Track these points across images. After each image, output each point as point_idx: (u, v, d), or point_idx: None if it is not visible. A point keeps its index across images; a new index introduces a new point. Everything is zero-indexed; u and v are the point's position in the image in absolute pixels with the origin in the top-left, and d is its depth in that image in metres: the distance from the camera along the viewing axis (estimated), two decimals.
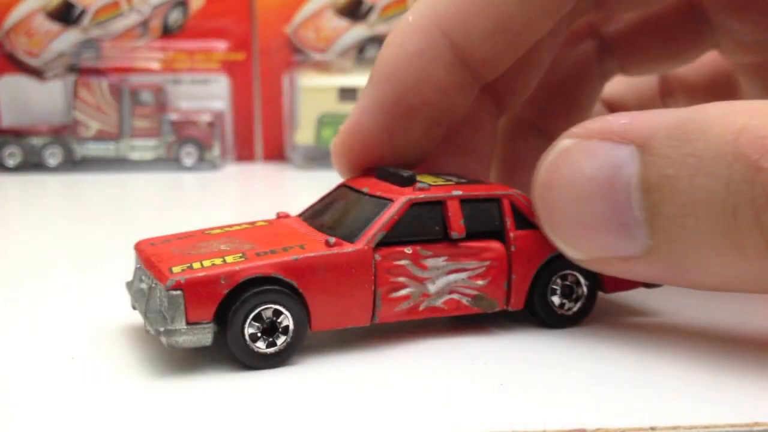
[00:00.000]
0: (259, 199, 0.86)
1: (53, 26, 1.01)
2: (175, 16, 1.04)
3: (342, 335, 0.36)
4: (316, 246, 0.34)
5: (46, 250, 0.58)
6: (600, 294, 0.39)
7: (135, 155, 0.99)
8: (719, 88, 0.53)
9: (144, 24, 1.03)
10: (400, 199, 0.35)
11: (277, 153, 1.06)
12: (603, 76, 0.50)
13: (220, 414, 0.29)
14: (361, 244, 0.34)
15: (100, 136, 0.98)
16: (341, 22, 1.05)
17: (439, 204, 0.36)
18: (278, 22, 1.04)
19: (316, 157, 1.02)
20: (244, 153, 1.06)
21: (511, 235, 0.36)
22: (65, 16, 1.01)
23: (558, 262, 0.37)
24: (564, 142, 0.34)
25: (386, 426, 0.28)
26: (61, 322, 0.39)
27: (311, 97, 1.02)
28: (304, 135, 1.02)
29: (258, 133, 1.07)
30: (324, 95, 1.02)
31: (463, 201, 0.36)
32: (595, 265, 0.35)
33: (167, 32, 1.04)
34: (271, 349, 0.33)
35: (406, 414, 0.29)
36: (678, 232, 0.30)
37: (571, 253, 0.35)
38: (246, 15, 1.04)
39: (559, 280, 0.37)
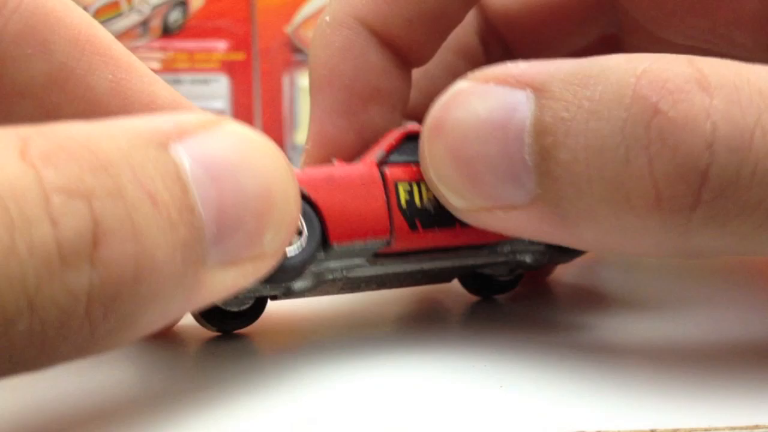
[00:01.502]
0: None
1: None
2: (175, 16, 1.04)
3: (337, 337, 0.36)
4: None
5: None
6: (601, 296, 0.39)
7: None
8: None
9: (144, 24, 1.03)
10: (395, 131, 0.36)
11: None
12: None
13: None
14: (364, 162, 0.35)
15: None
16: None
17: None
18: (278, 22, 1.04)
19: None
20: None
21: None
22: None
23: None
24: (459, 84, 0.32)
25: (382, 429, 0.28)
26: None
27: None
28: (304, 135, 1.02)
29: None
30: None
31: None
32: (476, 216, 0.33)
33: (167, 32, 1.04)
34: None
35: (402, 416, 0.29)
36: (567, 178, 0.29)
37: (454, 201, 0.33)
38: (246, 15, 1.04)
39: None
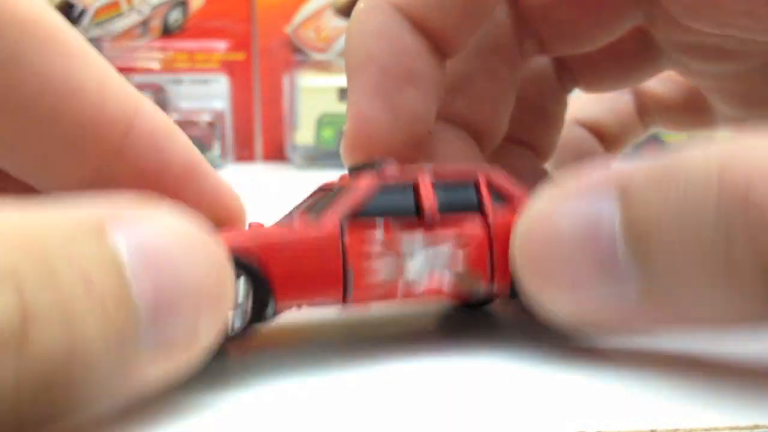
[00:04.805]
0: (260, 199, 0.86)
1: None
2: (175, 16, 1.04)
3: (332, 339, 0.36)
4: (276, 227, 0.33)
5: None
6: None
7: None
8: (693, 105, 0.53)
9: (144, 24, 1.03)
10: (366, 180, 0.34)
11: (277, 153, 1.06)
12: (564, 89, 0.52)
13: None
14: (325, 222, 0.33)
15: None
16: (341, 22, 1.05)
17: (409, 185, 0.35)
18: (278, 22, 1.04)
19: (316, 157, 1.02)
20: (244, 153, 1.06)
21: (489, 209, 0.35)
22: (65, 16, 1.00)
23: None
24: (538, 204, 0.32)
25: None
26: None
27: (311, 97, 1.02)
28: (304, 135, 1.02)
29: (258, 133, 1.07)
30: (324, 95, 1.02)
31: (436, 182, 0.35)
32: (591, 325, 0.33)
33: (167, 32, 1.04)
34: None
35: (403, 416, 0.29)
36: (670, 274, 0.30)
37: (565, 317, 0.33)
38: (246, 15, 1.04)
39: None
